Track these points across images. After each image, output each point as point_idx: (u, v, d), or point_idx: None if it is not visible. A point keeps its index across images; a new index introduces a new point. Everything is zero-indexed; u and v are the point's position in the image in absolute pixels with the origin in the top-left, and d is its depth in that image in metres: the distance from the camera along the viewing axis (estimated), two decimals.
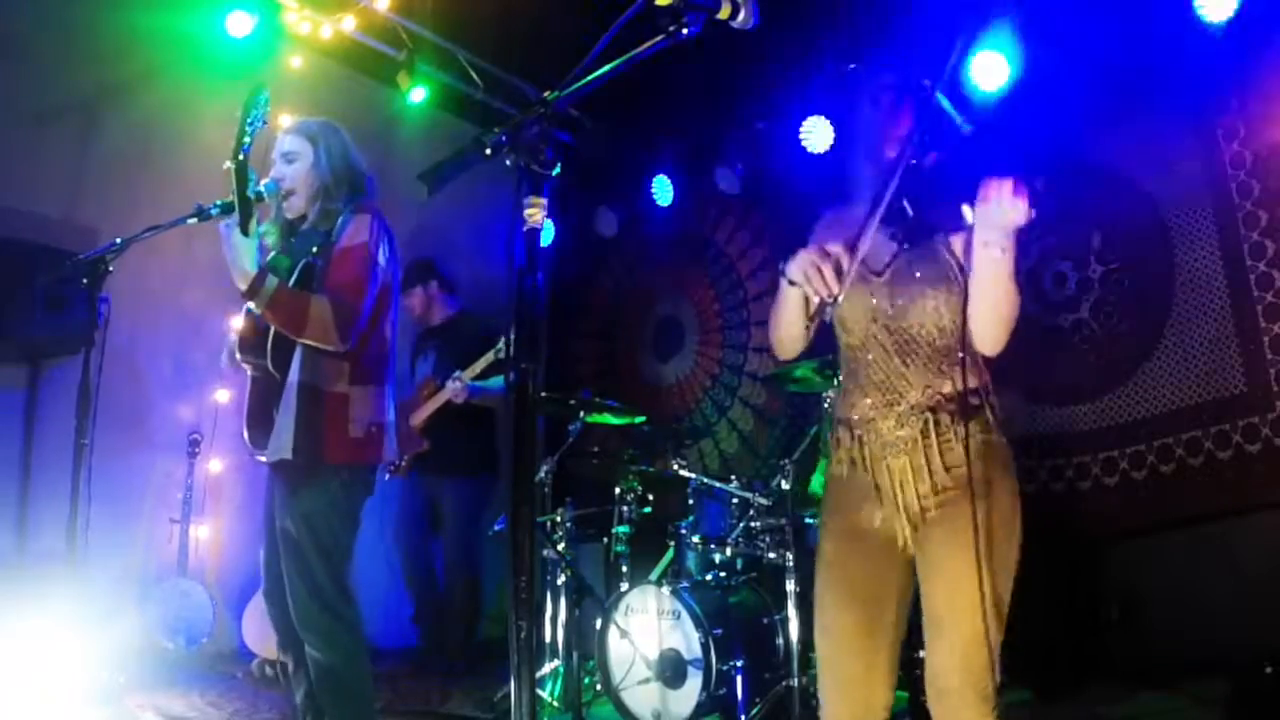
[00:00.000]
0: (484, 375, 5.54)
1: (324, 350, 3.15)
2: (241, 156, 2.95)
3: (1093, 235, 5.48)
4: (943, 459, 2.31)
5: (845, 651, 2.36)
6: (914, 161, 2.26)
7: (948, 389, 2.33)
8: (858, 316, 2.44)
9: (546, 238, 6.85)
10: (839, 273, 2.21)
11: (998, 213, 2.10)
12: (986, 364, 2.42)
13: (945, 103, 2.35)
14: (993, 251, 2.18)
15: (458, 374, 5.51)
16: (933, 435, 2.32)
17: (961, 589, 2.20)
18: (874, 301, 2.41)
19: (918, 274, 2.38)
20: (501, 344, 5.41)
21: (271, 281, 3.01)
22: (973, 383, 2.34)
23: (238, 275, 2.99)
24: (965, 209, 2.18)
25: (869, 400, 2.41)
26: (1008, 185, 2.07)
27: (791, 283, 2.32)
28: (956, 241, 2.37)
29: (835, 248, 2.22)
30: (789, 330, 2.47)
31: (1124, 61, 5.29)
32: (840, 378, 2.59)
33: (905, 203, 2.28)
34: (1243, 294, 4.89)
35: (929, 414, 2.33)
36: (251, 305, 3.06)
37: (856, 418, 2.43)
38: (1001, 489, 2.29)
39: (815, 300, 2.24)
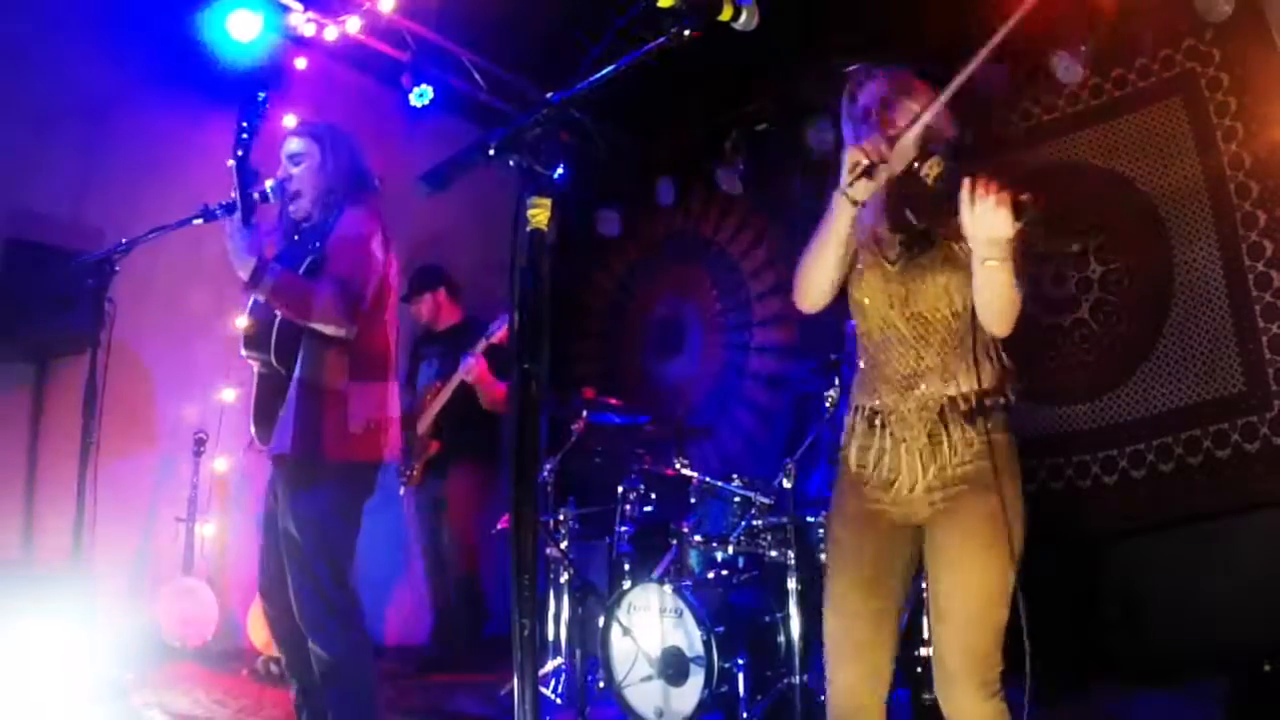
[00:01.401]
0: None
1: (327, 344, 3.18)
2: (241, 153, 3.00)
3: (1093, 235, 5.51)
4: (955, 453, 2.37)
5: (857, 622, 2.47)
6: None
7: (965, 384, 2.39)
8: (876, 303, 2.49)
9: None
10: (890, 142, 2.30)
11: (979, 226, 2.10)
12: (1005, 364, 2.47)
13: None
14: (989, 264, 2.18)
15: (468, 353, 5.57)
16: (946, 427, 2.38)
17: (966, 577, 2.31)
18: (889, 286, 2.46)
19: (926, 259, 2.42)
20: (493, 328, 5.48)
21: (274, 269, 3.04)
22: (988, 383, 2.40)
23: (240, 265, 3.02)
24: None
25: (889, 388, 2.47)
26: (987, 197, 2.06)
27: (851, 199, 2.35)
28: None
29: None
30: (834, 254, 2.46)
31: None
32: (860, 365, 2.62)
33: (908, 212, 2.31)
34: (1241, 294, 4.92)
35: (945, 405, 2.39)
36: (257, 294, 3.08)
37: (878, 405, 2.49)
38: (1008, 485, 2.34)
39: (865, 163, 2.29)
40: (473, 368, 5.54)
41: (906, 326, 2.44)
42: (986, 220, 2.07)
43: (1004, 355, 2.47)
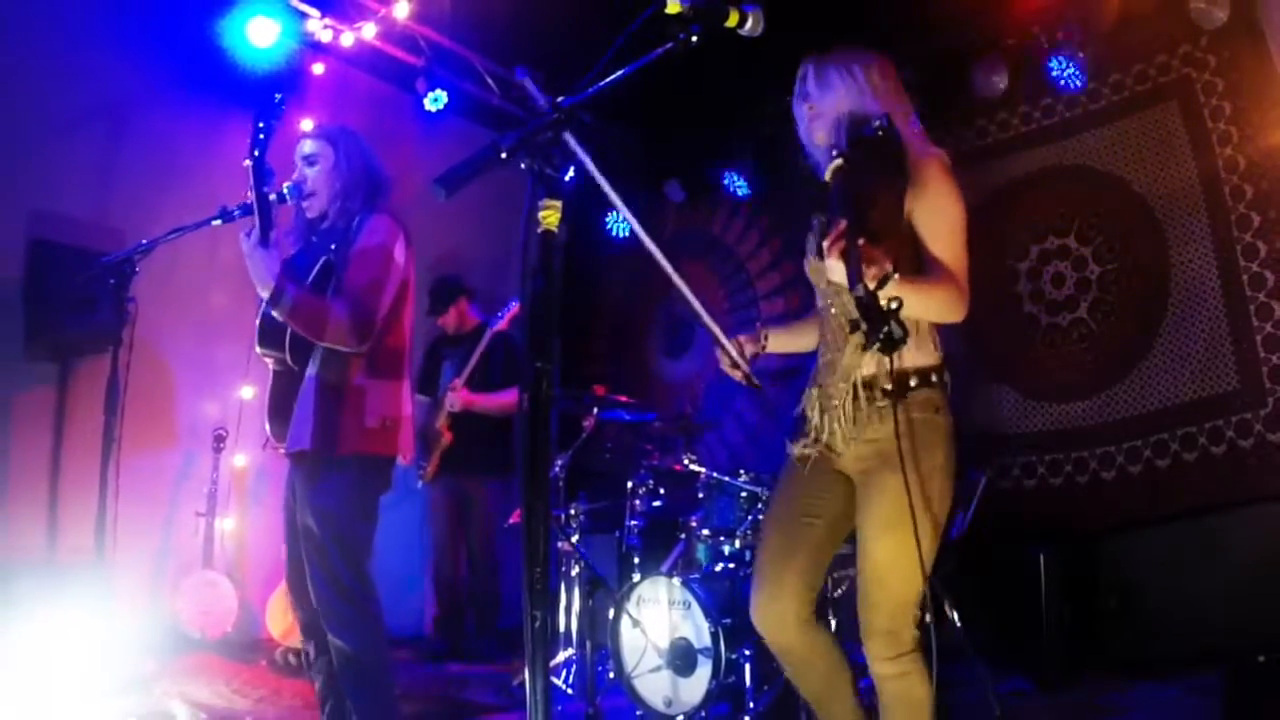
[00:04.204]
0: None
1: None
2: (257, 153, 3.03)
3: (1091, 237, 5.58)
4: (871, 427, 2.53)
5: (767, 546, 2.78)
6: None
7: (882, 367, 2.51)
8: (821, 287, 2.71)
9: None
10: (741, 356, 2.70)
11: (833, 274, 2.16)
12: (935, 350, 2.58)
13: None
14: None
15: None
16: (865, 403, 2.54)
17: (871, 547, 2.47)
18: (828, 274, 2.56)
19: None
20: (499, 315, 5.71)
21: (292, 291, 3.05)
22: (909, 366, 2.51)
23: (260, 286, 3.05)
24: None
25: (826, 362, 2.69)
26: (830, 253, 2.05)
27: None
28: None
29: (729, 344, 2.68)
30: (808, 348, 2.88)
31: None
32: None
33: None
34: (1236, 294, 4.99)
35: (863, 383, 2.55)
36: (275, 313, 3.10)
37: (816, 375, 2.72)
38: (924, 463, 2.45)
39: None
40: (457, 401, 5.68)
41: (840, 310, 2.62)
42: (834, 271, 2.09)
43: (936, 342, 2.58)
